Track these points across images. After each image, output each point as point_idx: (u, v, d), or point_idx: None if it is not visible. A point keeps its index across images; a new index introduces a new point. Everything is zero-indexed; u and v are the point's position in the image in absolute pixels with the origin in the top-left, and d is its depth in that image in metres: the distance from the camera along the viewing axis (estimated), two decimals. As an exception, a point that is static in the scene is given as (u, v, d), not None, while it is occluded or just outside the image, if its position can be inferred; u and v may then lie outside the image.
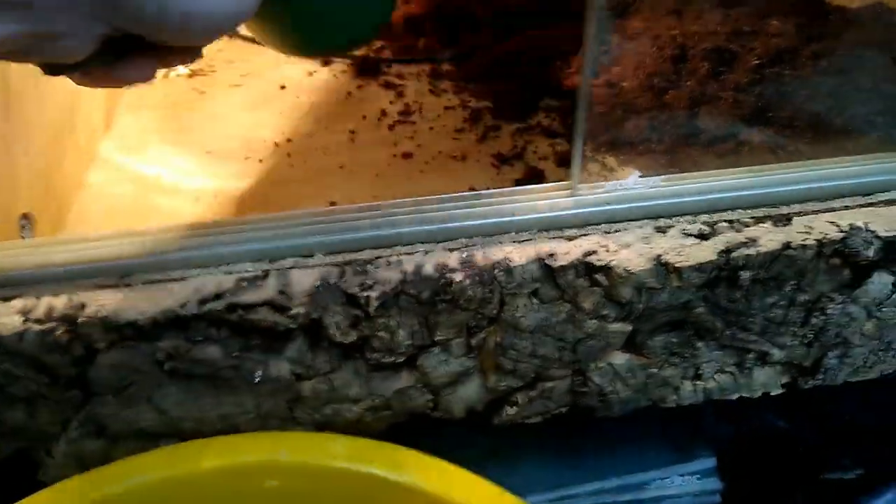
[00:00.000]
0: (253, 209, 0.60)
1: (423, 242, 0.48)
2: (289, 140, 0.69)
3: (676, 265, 0.45)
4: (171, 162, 0.66)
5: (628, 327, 0.49)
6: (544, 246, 0.46)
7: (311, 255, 0.47)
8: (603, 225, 0.48)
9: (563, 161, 0.62)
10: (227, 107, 0.74)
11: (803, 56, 0.66)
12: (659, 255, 0.46)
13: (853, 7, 0.82)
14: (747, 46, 0.66)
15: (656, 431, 0.66)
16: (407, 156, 0.66)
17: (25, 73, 0.56)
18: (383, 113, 0.72)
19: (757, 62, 0.63)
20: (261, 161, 0.66)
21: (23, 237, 0.54)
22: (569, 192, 0.48)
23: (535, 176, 0.61)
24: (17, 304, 0.44)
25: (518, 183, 0.61)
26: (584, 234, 0.47)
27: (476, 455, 0.51)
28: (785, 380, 0.57)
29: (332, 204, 0.60)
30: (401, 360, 0.49)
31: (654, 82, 0.61)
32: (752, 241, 0.46)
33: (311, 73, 0.78)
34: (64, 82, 0.36)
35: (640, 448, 0.66)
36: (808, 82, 0.61)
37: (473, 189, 0.61)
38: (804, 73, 0.63)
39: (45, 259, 0.45)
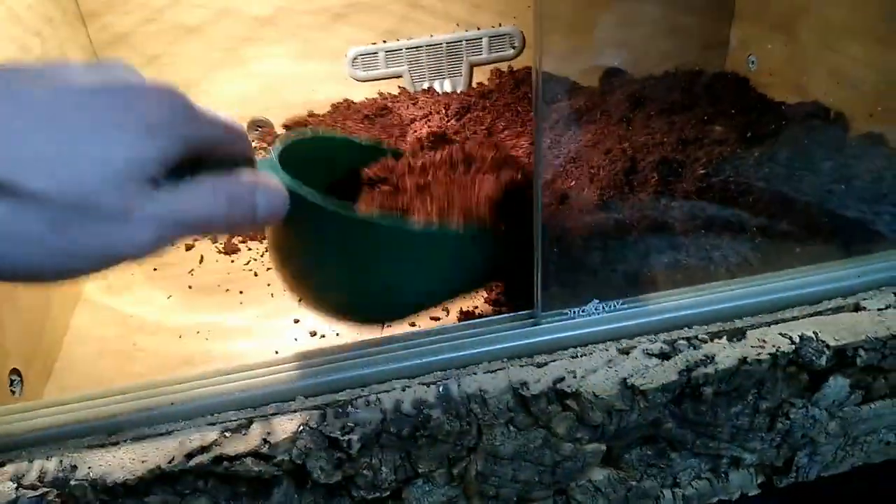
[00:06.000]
0: (236, 343, 0.62)
1: (398, 378, 0.50)
2: (269, 269, 0.71)
3: (641, 388, 0.47)
4: (154, 299, 0.68)
5: (603, 447, 0.51)
6: (516, 374, 0.49)
7: (293, 399, 0.49)
8: (569, 349, 0.51)
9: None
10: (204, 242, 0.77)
11: (748, 162, 0.70)
12: (624, 379, 0.48)
13: (791, 103, 0.88)
14: (692, 156, 0.70)
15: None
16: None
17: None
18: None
19: (703, 172, 0.68)
20: (241, 293, 0.69)
21: (13, 392, 0.56)
22: (534, 320, 0.51)
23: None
24: (10, 469, 0.45)
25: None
26: (553, 360, 0.50)
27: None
28: (760, 480, 0.59)
29: (312, 334, 0.62)
30: (385, 494, 0.50)
31: (606, 200, 0.65)
32: (710, 359, 0.49)
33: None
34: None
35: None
36: (754, 190, 0.65)
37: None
38: (749, 180, 0.67)
39: (35, 423, 0.47)
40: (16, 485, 0.44)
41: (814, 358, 0.50)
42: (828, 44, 0.85)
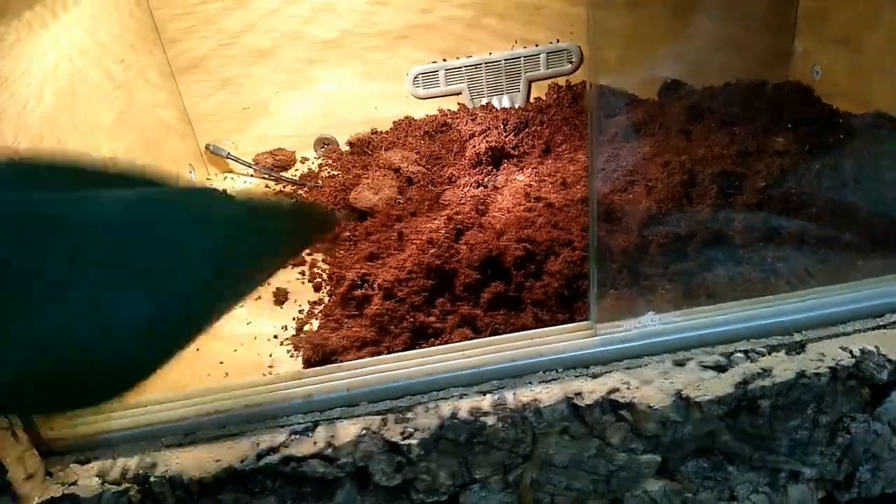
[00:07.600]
0: (301, 347, 0.65)
1: (455, 386, 0.51)
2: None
3: (696, 399, 0.48)
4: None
5: (658, 458, 0.51)
6: (571, 385, 0.50)
7: (356, 405, 0.51)
8: (625, 361, 0.51)
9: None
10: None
11: (810, 174, 0.69)
12: (679, 391, 0.48)
13: (856, 114, 0.86)
14: (753, 168, 0.70)
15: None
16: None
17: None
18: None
19: (763, 184, 0.67)
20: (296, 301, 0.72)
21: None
22: (590, 331, 0.52)
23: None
24: (95, 466, 0.49)
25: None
26: (608, 371, 0.51)
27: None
28: (821, 495, 0.58)
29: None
30: (443, 499, 0.52)
31: (663, 213, 0.65)
32: (767, 372, 0.49)
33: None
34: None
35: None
36: (816, 202, 0.65)
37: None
38: (811, 192, 0.66)
39: (117, 423, 0.50)
40: (101, 480, 0.48)
41: (875, 372, 0.49)
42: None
